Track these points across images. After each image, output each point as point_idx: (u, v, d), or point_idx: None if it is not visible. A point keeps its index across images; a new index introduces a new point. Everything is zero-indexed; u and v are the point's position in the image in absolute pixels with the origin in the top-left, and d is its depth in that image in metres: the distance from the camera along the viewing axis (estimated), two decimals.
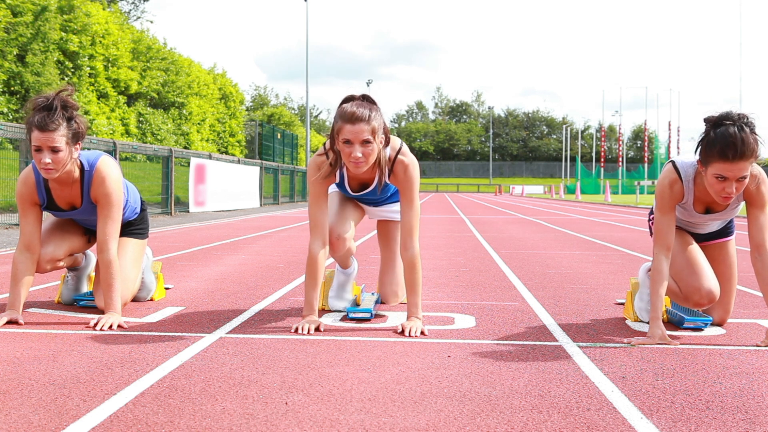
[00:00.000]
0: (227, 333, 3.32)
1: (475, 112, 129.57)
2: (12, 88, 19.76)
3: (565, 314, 3.88)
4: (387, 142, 3.33)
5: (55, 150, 3.35)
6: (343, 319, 3.68)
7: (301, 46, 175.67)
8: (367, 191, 3.58)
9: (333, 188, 3.78)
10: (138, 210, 4.02)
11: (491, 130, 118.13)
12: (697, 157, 3.14)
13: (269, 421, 2.08)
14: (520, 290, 4.79)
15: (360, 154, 3.19)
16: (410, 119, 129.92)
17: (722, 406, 2.25)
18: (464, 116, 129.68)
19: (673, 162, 3.35)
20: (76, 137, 3.42)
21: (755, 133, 3.03)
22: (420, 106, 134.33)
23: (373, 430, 2.01)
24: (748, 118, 3.01)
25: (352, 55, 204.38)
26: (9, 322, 3.44)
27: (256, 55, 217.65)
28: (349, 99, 3.27)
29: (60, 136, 3.34)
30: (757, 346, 3.12)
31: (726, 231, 3.64)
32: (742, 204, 3.38)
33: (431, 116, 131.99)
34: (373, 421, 2.09)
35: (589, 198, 45.52)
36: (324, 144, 3.43)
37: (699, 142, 3.11)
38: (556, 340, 3.21)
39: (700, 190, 3.30)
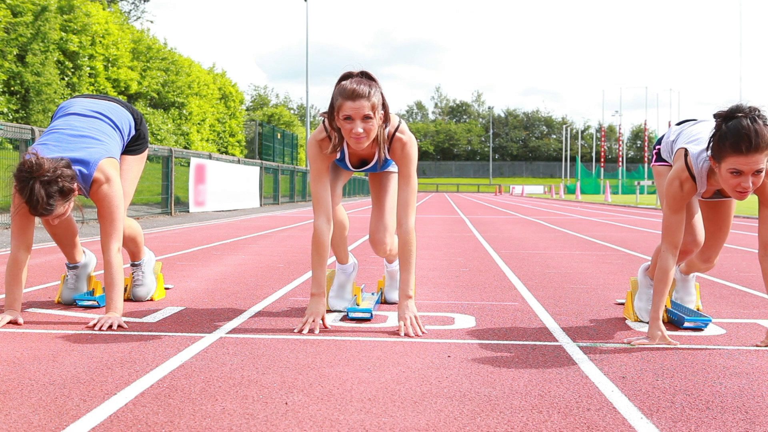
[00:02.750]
0: (227, 333, 3.32)
1: (475, 112, 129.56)
2: (12, 88, 19.76)
3: (565, 314, 3.88)
4: (386, 119, 3.35)
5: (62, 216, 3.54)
6: (343, 319, 3.68)
7: (302, 45, 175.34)
8: (367, 167, 3.62)
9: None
10: (133, 130, 4.00)
11: (491, 130, 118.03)
12: (710, 153, 3.03)
13: (269, 421, 2.08)
14: (520, 290, 4.78)
15: (361, 130, 3.21)
16: (410, 119, 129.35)
17: (722, 406, 2.25)
18: (464, 116, 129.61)
19: (686, 154, 3.24)
20: (69, 197, 3.45)
21: None
22: (420, 106, 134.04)
23: (373, 430, 2.01)
24: (759, 111, 2.92)
25: (352, 54, 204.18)
26: (9, 323, 3.45)
27: (256, 55, 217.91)
28: (347, 76, 3.27)
29: (63, 211, 3.45)
30: (757, 346, 3.12)
31: None
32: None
33: (431, 116, 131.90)
34: (373, 421, 2.09)
35: (589, 198, 45.50)
36: (323, 122, 3.44)
37: (710, 137, 3.01)
38: (556, 340, 3.21)
39: (712, 183, 3.20)
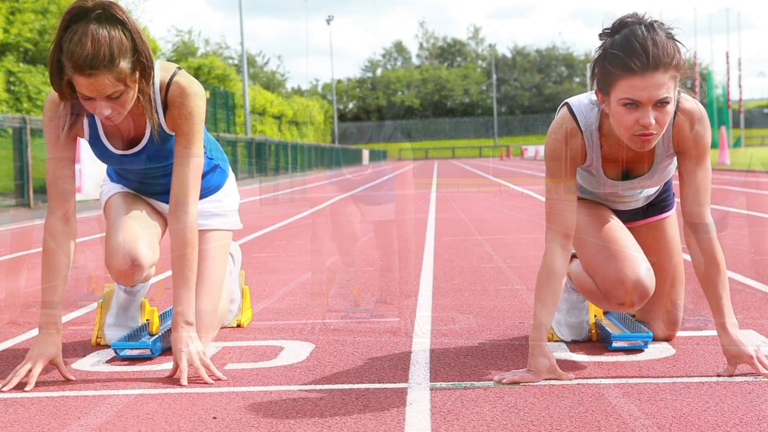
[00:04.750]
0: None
1: (473, 52, 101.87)
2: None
3: None
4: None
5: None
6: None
7: None
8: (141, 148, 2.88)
9: None
10: None
11: (494, 76, 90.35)
12: (596, 86, 2.31)
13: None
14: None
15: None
16: (388, 66, 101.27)
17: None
18: (458, 58, 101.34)
19: (567, 104, 2.49)
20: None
21: (675, 39, 2.24)
22: (400, 48, 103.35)
23: None
24: (663, 23, 2.26)
25: None
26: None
27: None
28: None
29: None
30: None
31: (662, 204, 2.78)
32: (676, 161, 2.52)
33: (415, 61, 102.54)
34: None
35: None
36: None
37: (594, 61, 2.31)
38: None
39: (610, 144, 2.42)
